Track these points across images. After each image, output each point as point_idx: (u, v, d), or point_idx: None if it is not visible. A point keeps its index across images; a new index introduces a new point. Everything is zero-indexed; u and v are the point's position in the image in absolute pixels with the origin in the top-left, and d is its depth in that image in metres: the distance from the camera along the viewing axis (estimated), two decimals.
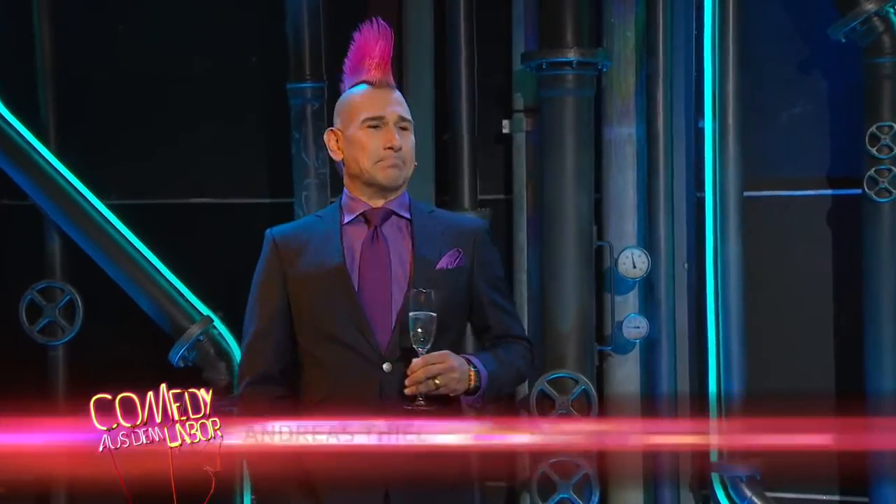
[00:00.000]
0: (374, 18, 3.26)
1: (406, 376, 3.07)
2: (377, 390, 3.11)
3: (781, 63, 5.03)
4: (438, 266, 3.20)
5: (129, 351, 5.36)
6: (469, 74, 5.08)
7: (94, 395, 5.80)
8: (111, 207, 5.21)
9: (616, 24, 5.04)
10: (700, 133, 4.95)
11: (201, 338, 5.08)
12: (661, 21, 4.94)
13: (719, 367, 4.86)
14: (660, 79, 4.93)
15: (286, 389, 3.22)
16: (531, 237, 5.16)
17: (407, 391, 3.06)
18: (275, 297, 3.21)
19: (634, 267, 4.93)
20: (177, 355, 5.06)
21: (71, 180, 5.18)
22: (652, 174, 4.98)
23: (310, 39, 5.10)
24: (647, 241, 5.00)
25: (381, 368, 3.12)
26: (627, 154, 5.05)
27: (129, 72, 5.43)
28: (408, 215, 3.25)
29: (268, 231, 3.29)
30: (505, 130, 5.22)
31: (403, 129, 3.22)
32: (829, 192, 4.99)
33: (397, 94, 3.25)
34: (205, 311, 5.14)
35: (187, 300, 5.12)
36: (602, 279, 5.05)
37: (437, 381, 3.05)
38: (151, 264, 5.14)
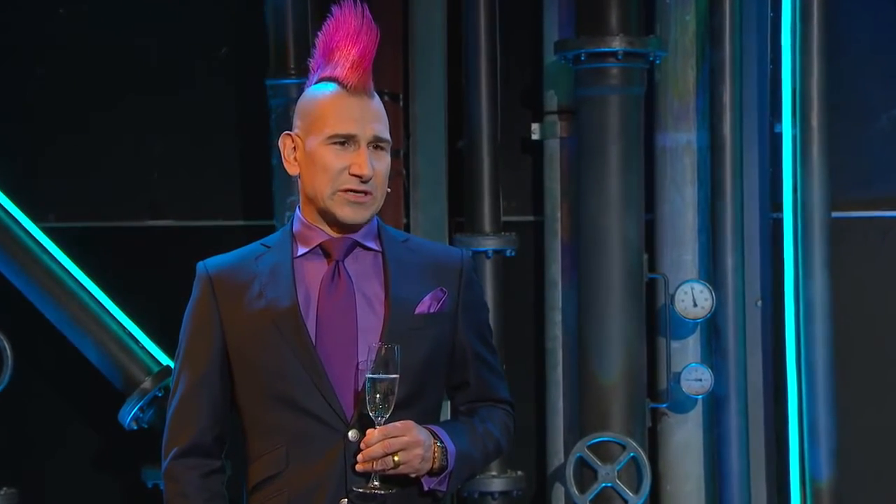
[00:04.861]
0: (359, 3, 3.08)
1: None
2: (340, 463, 2.97)
3: (878, 52, 5.00)
4: (418, 310, 3.05)
5: (71, 410, 5.31)
6: (490, 68, 5.01)
7: (27, 463, 5.48)
8: (49, 232, 5.11)
9: (672, 5, 4.98)
10: (777, 140, 4.90)
11: (159, 393, 4.95)
12: (727, 1, 4.86)
13: (802, 432, 4.79)
14: (726, 73, 4.87)
15: (220, 463, 3.09)
16: (567, 268, 5.09)
17: (359, 467, 2.93)
18: (209, 349, 3.06)
19: (695, 305, 4.85)
20: (129, 415, 4.94)
21: None
22: (716, 191, 4.90)
23: (294, 26, 5.05)
24: (711, 273, 4.93)
25: (346, 437, 2.97)
26: (686, 166, 4.98)
27: (71, 66, 5.36)
28: (377, 246, 3.11)
29: (200, 264, 3.12)
30: (534, 136, 5.17)
31: (379, 148, 3.05)
32: None
33: (376, 105, 3.07)
34: (164, 360, 5.02)
35: (142, 347, 5.04)
36: (655, 320, 5.00)
37: (395, 459, 2.92)
38: (98, 303, 5.05)
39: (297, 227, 3.08)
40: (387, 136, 3.04)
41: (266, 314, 3.01)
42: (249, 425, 3.05)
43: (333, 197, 2.99)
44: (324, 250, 3.05)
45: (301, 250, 3.07)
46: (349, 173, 2.98)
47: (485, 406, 3.15)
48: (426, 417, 3.03)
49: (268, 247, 3.10)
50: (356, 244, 3.06)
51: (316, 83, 3.07)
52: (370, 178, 2.99)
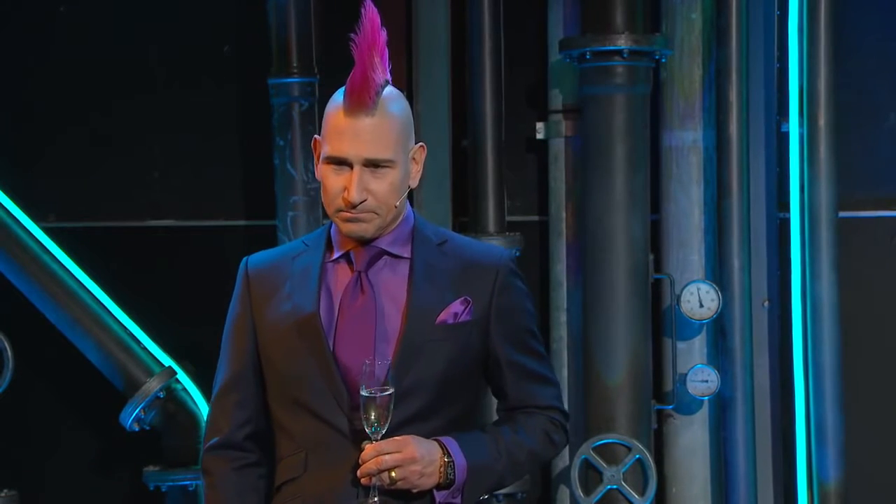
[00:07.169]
0: (371, 12, 3.00)
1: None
2: (354, 474, 2.97)
3: (886, 52, 5.00)
4: (439, 320, 3.01)
5: (72, 411, 5.32)
6: (494, 67, 5.01)
7: (27, 465, 5.49)
8: (49, 232, 5.12)
9: (678, 3, 4.98)
10: (784, 139, 4.92)
11: (161, 395, 4.99)
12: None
13: (809, 433, 4.79)
14: (733, 72, 4.88)
15: (256, 456, 3.10)
16: (572, 269, 5.09)
17: (363, 481, 2.95)
18: (243, 348, 3.08)
19: (701, 306, 4.86)
20: (130, 417, 4.96)
21: None
22: (723, 191, 4.91)
23: (297, 24, 5.06)
24: (717, 273, 4.93)
25: (362, 448, 2.96)
26: (692, 165, 4.99)
27: (71, 64, 5.34)
28: (407, 253, 3.06)
29: (244, 259, 3.13)
30: (539, 135, 5.17)
31: (379, 167, 2.98)
32: None
33: (376, 123, 2.97)
34: (166, 361, 5.06)
35: (144, 348, 5.06)
36: (661, 321, 5.01)
37: (392, 475, 2.93)
38: (99, 303, 5.06)
39: (333, 230, 3.07)
40: (386, 155, 2.96)
41: (290, 318, 3.01)
42: (276, 426, 3.07)
43: (335, 216, 2.99)
44: (350, 258, 3.04)
45: (336, 253, 3.05)
46: (341, 197, 2.96)
47: (524, 413, 3.10)
48: (450, 429, 3.00)
49: (307, 246, 3.10)
50: (383, 253, 3.03)
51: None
52: (359, 203, 2.95)
